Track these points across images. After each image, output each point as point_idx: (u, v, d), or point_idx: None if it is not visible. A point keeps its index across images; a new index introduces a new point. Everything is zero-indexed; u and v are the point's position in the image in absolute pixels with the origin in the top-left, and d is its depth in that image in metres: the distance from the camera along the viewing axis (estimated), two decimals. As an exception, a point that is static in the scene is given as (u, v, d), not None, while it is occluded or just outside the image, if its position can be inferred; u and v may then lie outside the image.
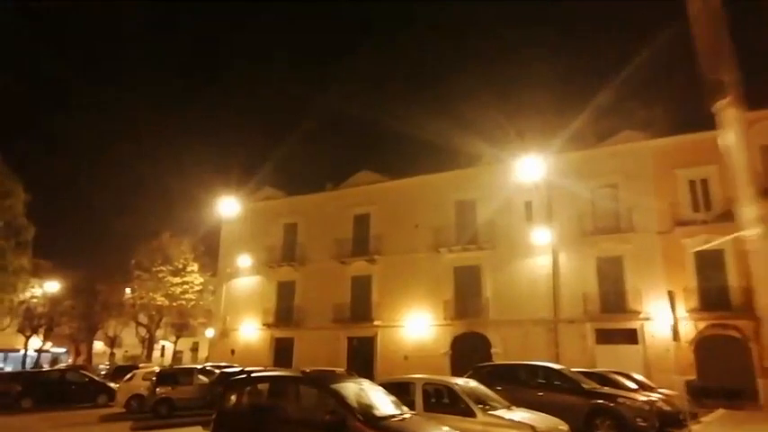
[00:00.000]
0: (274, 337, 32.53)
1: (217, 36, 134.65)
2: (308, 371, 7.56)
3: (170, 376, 18.38)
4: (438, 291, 27.80)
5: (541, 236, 25.66)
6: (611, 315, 24.10)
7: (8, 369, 41.45)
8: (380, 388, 8.07)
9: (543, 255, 25.74)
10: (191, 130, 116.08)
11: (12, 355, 47.93)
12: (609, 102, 27.00)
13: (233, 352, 33.04)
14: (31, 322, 44.44)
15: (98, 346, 51.64)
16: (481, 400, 9.28)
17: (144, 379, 19.07)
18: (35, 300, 44.53)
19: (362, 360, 28.27)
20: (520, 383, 13.21)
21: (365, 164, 45.17)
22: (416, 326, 28.08)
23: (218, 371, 18.79)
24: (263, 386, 7.67)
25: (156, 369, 19.89)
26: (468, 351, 26.08)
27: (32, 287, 44.53)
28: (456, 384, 9.42)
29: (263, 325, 32.76)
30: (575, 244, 25.33)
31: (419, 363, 25.80)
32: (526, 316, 25.36)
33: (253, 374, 7.51)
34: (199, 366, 20.11)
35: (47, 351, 51.40)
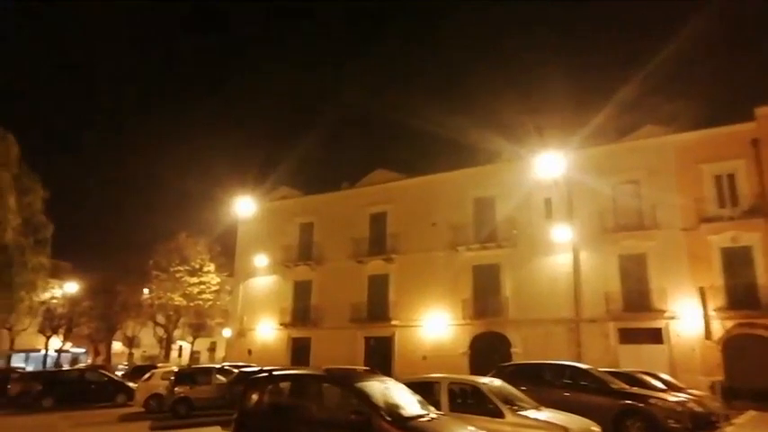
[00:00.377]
0: (291, 337, 32.41)
1: (233, 34, 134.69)
2: (331, 369, 7.30)
3: (188, 376, 18.32)
4: (456, 290, 27.44)
5: (562, 233, 25.10)
6: (635, 314, 23.55)
7: (30, 369, 41.81)
8: (405, 387, 7.80)
9: (564, 253, 25.20)
10: (207, 130, 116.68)
11: (33, 355, 48.57)
12: (630, 97, 26.49)
13: (250, 352, 33.00)
14: (50, 323, 44.94)
15: (117, 346, 52.05)
16: (509, 400, 8.96)
17: (162, 378, 19.04)
18: (55, 300, 45.09)
19: (380, 360, 27.96)
20: (545, 383, 12.86)
21: (381, 162, 44.75)
22: (435, 325, 27.76)
23: (235, 370, 18.66)
24: (284, 385, 7.43)
25: (175, 369, 19.85)
26: (487, 351, 25.71)
27: (52, 287, 45.12)
28: (483, 384, 9.11)
29: (280, 325, 32.67)
30: (596, 241, 24.82)
31: (438, 363, 25.42)
32: (547, 315, 24.90)
33: (274, 373, 7.28)
34: (217, 366, 20.04)
35: (66, 351, 52.01)
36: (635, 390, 12.89)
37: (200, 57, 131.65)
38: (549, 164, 24.68)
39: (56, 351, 47.49)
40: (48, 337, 45.44)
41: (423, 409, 7.26)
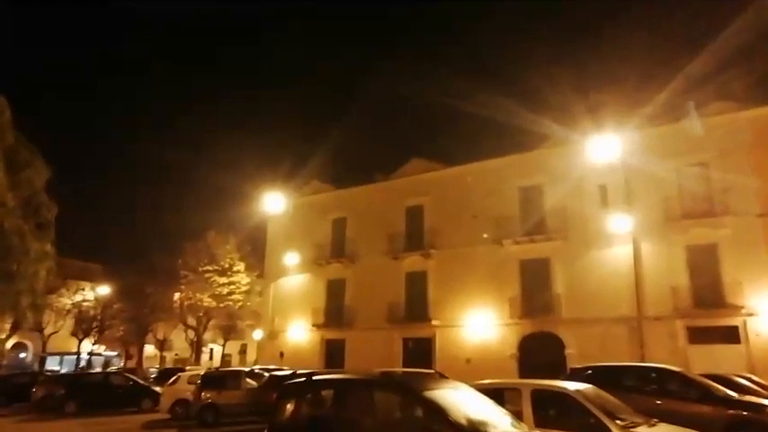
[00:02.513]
0: (324, 339, 30.77)
1: (260, 25, 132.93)
2: (388, 373, 5.40)
3: (215, 380, 16.71)
4: (502, 287, 25.34)
5: (620, 223, 22.84)
6: (706, 311, 21.10)
7: (63, 371, 41.38)
8: (484, 396, 5.93)
9: (622, 244, 22.91)
10: (235, 124, 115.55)
11: (67, 357, 48.44)
12: (697, 71, 23.87)
13: (282, 355, 31.50)
14: (81, 325, 44.51)
15: (149, 349, 51.52)
16: (610, 412, 6.98)
17: (189, 382, 17.53)
18: (87, 303, 44.68)
19: (419, 363, 25.92)
20: (628, 389, 10.75)
21: (417, 151, 42.14)
22: (479, 325, 25.69)
23: (266, 374, 16.97)
24: (327, 393, 5.66)
25: (201, 372, 18.34)
26: (537, 353, 23.57)
27: (82, 289, 44.75)
28: (576, 391, 7.15)
29: (313, 326, 31.07)
30: (659, 231, 22.43)
31: (483, 366, 23.37)
32: (604, 313, 22.60)
33: (315, 378, 5.47)
34: (246, 369, 18.35)
35: (99, 354, 51.72)
36: (746, 398, 10.69)
37: (226, 48, 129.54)
38: (604, 147, 22.59)
39: (88, 354, 47.14)
40: (80, 340, 45.05)
41: (515, 426, 5.39)
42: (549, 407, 7.32)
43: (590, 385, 7.90)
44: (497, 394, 7.16)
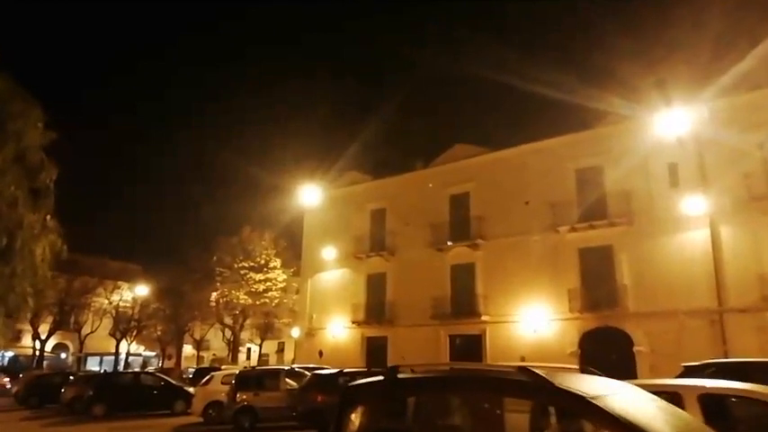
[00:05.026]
0: (365, 337, 29.08)
1: (289, 15, 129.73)
2: (528, 368, 3.25)
3: (252, 379, 15.11)
4: (559, 278, 23.13)
5: (693, 204, 20.51)
6: (802, 301, 18.48)
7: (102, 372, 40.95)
8: (663, 401, 3.87)
9: (697, 228, 20.52)
10: (268, 117, 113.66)
11: (106, 358, 48.36)
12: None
13: (321, 353, 29.95)
14: (119, 325, 44.20)
15: (187, 349, 51.12)
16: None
17: (223, 383, 16.01)
18: (126, 304, 44.40)
19: (468, 361, 24.09)
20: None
21: (461, 136, 39.42)
22: (533, 321, 23.52)
23: (307, 373, 15.22)
24: (420, 397, 3.74)
25: (236, 371, 16.83)
26: (602, 350, 21.27)
27: (120, 289, 44.40)
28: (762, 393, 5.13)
29: (353, 323, 29.42)
30: (741, 212, 19.86)
31: (540, 365, 21.25)
32: (678, 305, 20.13)
33: (399, 374, 3.48)
34: (285, 368, 16.64)
35: (138, 355, 51.52)
36: None
37: (258, 43, 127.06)
38: (673, 121, 20.33)
39: (126, 354, 46.88)
40: (118, 340, 44.77)
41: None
42: (727, 417, 5.30)
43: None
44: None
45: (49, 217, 12.63)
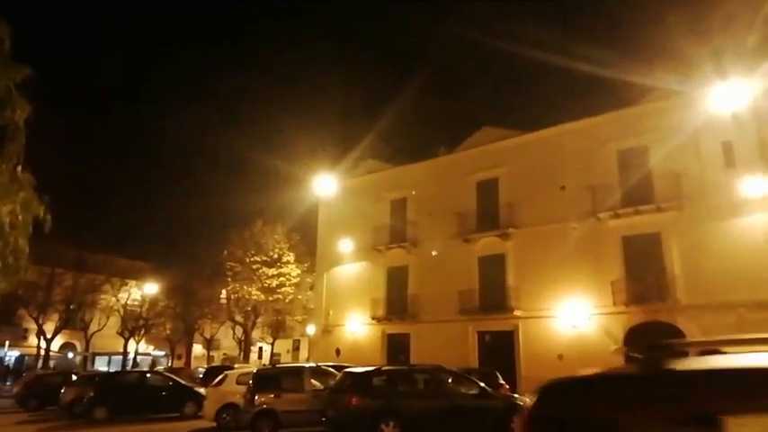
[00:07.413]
0: (386, 333, 27.32)
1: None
2: None
3: (272, 379, 13.28)
4: (600, 269, 21.26)
5: (752, 186, 18.62)
6: None
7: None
8: None
9: (757, 212, 18.63)
10: (282, 101, 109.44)
11: (115, 358, 47.00)
12: None
13: (338, 352, 28.23)
14: (127, 324, 42.80)
15: (197, 348, 49.71)
16: None
17: (238, 383, 14.29)
18: (135, 301, 42.98)
19: (499, 360, 22.26)
20: None
21: (487, 118, 36.37)
22: (572, 315, 21.64)
23: (336, 372, 13.32)
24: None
25: (254, 369, 15.08)
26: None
27: (126, 285, 42.95)
28: None
29: (372, 319, 27.67)
30: (809, 193, 17.93)
31: (580, 363, 19.21)
32: (737, 297, 18.19)
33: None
34: (310, 365, 14.74)
35: (147, 354, 50.10)
36: None
37: (269, 25, 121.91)
38: (729, 96, 18.43)
39: (134, 354, 45.47)
40: (126, 339, 43.36)
41: None
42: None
43: None
44: None
45: (20, 168, 10.42)
